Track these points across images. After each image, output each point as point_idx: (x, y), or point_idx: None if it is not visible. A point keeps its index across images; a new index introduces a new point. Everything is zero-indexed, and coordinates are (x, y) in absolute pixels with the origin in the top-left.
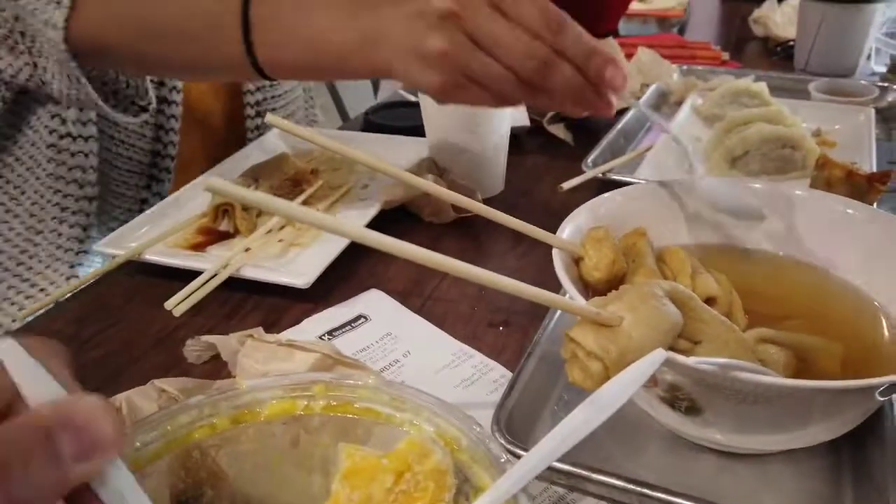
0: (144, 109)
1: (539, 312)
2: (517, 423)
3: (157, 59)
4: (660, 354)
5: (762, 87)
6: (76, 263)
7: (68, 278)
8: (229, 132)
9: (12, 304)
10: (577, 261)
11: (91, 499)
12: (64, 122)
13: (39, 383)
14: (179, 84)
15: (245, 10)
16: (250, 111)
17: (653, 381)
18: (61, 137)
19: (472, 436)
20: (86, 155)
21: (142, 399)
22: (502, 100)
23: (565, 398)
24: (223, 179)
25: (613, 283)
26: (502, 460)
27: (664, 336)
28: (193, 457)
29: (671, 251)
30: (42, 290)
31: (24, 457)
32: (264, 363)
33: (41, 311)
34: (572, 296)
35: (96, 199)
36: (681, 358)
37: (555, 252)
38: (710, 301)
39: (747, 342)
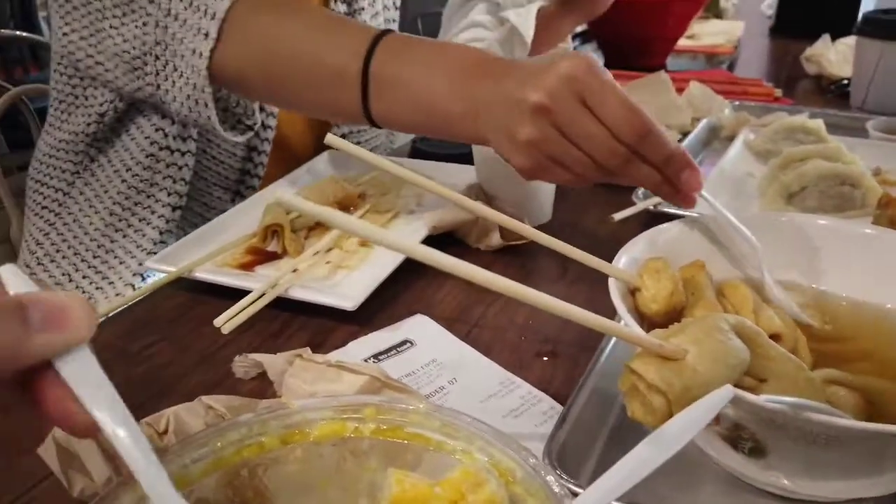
0: (250, 128)
1: (587, 343)
2: (569, 457)
3: (283, 97)
4: (727, 391)
5: (819, 123)
6: (143, 261)
7: (127, 284)
8: (314, 157)
9: (83, 292)
10: (633, 291)
11: (52, 380)
12: (166, 136)
13: (25, 286)
14: (276, 110)
15: (366, 69)
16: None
17: (715, 419)
18: (160, 149)
19: (528, 467)
20: (179, 167)
21: (189, 415)
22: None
23: (618, 433)
24: (271, 206)
25: (671, 316)
26: (560, 494)
27: (731, 371)
28: (241, 476)
29: (732, 285)
30: (111, 283)
31: None
32: (312, 383)
33: None
34: (631, 327)
35: (180, 208)
36: (750, 396)
37: (611, 281)
38: (773, 338)
39: (817, 382)
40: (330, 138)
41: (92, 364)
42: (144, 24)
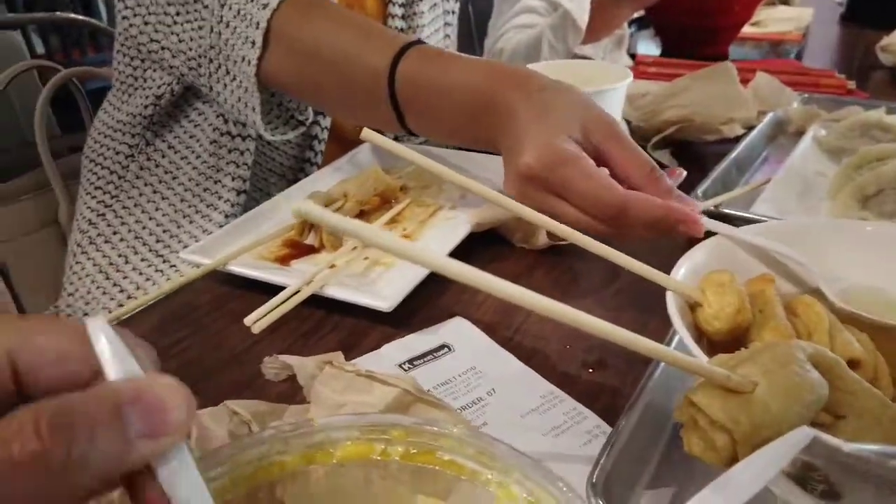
0: (303, 124)
1: (638, 354)
2: (615, 487)
3: (326, 107)
4: (805, 434)
5: None
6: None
7: (193, 267)
8: None
9: (141, 274)
10: (693, 307)
11: (149, 481)
12: (226, 121)
13: (120, 362)
14: None
15: (392, 88)
16: (389, 135)
17: None
18: (222, 135)
19: None
20: (241, 152)
21: (212, 421)
22: None
23: (668, 458)
24: (311, 198)
25: (735, 334)
26: None
27: (807, 410)
28: (259, 497)
29: (805, 302)
30: (173, 266)
31: (90, 424)
32: (341, 393)
33: (125, 317)
34: (693, 352)
35: (245, 192)
36: (831, 440)
37: (669, 296)
38: (851, 365)
39: None
40: (367, 133)
41: (188, 465)
42: (200, 27)
